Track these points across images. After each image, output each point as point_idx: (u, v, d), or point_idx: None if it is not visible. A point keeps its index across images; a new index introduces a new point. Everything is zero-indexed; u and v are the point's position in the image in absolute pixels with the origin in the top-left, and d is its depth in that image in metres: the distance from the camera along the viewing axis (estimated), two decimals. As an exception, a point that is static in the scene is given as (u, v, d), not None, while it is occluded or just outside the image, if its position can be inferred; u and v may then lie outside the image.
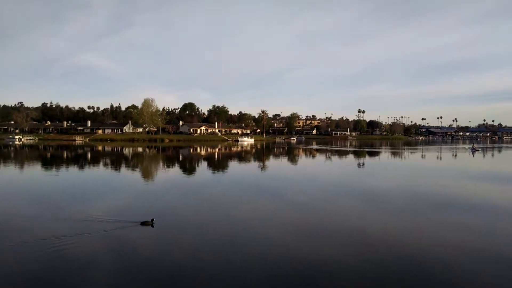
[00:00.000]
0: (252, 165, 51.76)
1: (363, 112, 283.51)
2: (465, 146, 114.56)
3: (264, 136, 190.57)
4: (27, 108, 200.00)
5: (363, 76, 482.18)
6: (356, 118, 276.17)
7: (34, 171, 40.99)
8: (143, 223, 15.55)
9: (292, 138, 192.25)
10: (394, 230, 15.63)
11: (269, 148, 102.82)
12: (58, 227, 15.40)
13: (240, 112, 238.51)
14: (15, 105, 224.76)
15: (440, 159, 66.53)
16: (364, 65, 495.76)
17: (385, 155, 77.42)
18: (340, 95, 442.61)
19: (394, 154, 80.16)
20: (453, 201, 22.97)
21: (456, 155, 77.80)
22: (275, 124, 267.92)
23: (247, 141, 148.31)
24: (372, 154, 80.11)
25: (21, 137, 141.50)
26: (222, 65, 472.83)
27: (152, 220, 15.66)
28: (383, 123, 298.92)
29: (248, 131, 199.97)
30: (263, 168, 47.68)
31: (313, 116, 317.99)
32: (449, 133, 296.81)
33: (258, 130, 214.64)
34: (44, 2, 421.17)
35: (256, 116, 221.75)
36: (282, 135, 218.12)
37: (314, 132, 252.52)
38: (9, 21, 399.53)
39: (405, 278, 10.49)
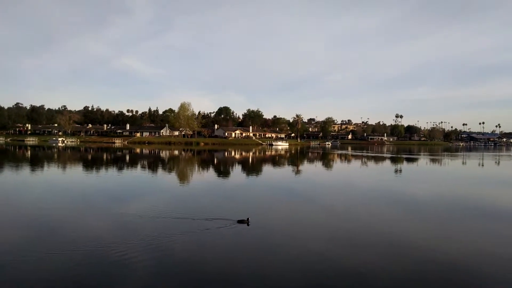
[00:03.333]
0: (286, 170, 51.65)
1: (401, 116, 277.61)
2: (509, 153, 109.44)
3: (299, 141, 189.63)
4: (70, 111, 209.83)
5: (401, 79, 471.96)
6: (393, 123, 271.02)
7: (111, 175, 42.74)
8: (240, 221, 16.66)
9: (327, 143, 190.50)
10: (434, 239, 15.20)
11: (304, 153, 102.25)
12: (164, 226, 16.53)
13: (275, 116, 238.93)
14: (59, 108, 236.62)
15: (482, 166, 63.94)
16: (403, 67, 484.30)
17: (423, 161, 75.17)
18: (377, 99, 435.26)
19: (433, 160, 77.67)
20: (495, 211, 22.07)
21: (499, 162, 74.51)
22: (310, 129, 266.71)
23: (281, 146, 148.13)
24: (410, 160, 78.01)
25: (64, 139, 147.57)
26: (257, 68, 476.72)
27: (248, 219, 16.71)
28: (422, 128, 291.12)
29: (283, 135, 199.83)
30: (297, 172, 47.51)
31: (348, 120, 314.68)
32: (491, 139, 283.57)
33: (293, 135, 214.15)
34: (88, 7, 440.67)
35: (291, 120, 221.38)
36: (316, 140, 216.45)
37: (349, 137, 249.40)
38: (55, 27, 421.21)
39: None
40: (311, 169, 54.30)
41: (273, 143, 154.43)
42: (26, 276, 10.67)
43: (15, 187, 29.76)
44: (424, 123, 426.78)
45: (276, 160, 69.89)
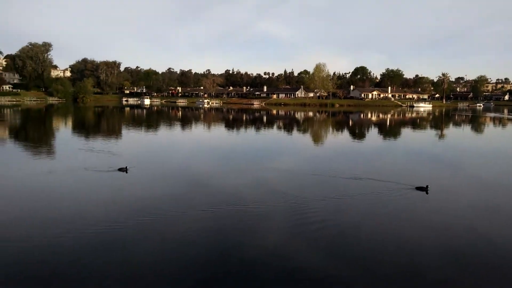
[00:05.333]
0: (428, 134, 48.42)
1: None
2: None
3: (444, 102, 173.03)
4: (213, 75, 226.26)
5: None
6: None
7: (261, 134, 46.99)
8: (418, 188, 16.87)
9: (478, 104, 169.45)
10: None
11: (449, 116, 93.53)
12: (341, 185, 17.90)
13: (416, 76, 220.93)
14: (203, 72, 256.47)
15: None
16: None
17: None
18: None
19: None
20: None
21: None
22: (458, 89, 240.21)
23: (424, 107, 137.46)
24: None
25: (209, 100, 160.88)
26: (397, 25, 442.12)
27: (427, 186, 16.74)
28: None
29: (425, 96, 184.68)
30: (440, 137, 44.26)
31: (505, 79, 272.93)
32: None
33: (437, 95, 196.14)
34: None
35: (435, 80, 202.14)
36: (465, 101, 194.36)
37: (506, 97, 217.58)
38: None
39: None
40: (456, 134, 49.85)
41: (414, 105, 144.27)
42: (184, 227, 12.99)
43: (169, 145, 34.47)
44: None
45: (416, 123, 65.82)
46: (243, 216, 13.09)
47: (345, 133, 47.58)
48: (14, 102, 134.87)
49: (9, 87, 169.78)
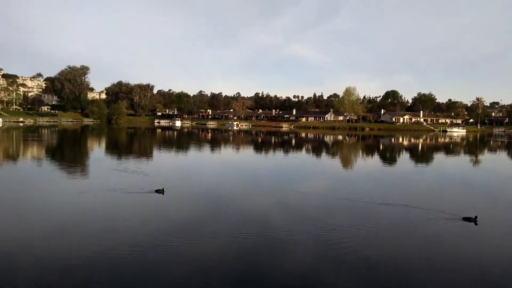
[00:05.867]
0: (463, 159, 46.99)
1: None
2: None
3: (479, 127, 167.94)
4: (243, 97, 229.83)
5: None
6: None
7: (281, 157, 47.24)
8: (466, 219, 15.59)
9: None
10: None
11: (484, 141, 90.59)
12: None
13: (449, 100, 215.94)
14: (233, 95, 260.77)
15: None
16: None
17: None
18: None
19: None
20: None
21: None
22: (493, 114, 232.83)
23: (457, 132, 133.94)
24: None
25: (238, 123, 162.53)
26: (429, 48, 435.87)
27: (476, 217, 15.36)
28: None
29: (459, 121, 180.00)
30: (476, 162, 42.90)
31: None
32: None
33: (471, 120, 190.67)
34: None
35: (469, 104, 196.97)
36: (501, 127, 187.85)
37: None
38: (232, 19, 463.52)
39: None
40: (492, 159, 48.13)
41: (448, 130, 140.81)
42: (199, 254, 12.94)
43: (199, 167, 34.90)
44: None
45: (449, 148, 64.03)
46: (272, 242, 12.73)
47: (376, 157, 46.79)
48: (52, 123, 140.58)
49: (47, 108, 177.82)
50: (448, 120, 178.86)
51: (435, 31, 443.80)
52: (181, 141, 67.68)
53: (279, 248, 12.24)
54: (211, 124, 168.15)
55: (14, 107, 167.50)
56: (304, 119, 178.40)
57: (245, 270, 10.51)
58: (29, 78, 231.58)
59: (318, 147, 61.96)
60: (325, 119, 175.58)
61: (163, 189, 19.62)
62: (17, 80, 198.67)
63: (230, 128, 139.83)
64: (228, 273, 10.29)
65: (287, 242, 12.81)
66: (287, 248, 12.35)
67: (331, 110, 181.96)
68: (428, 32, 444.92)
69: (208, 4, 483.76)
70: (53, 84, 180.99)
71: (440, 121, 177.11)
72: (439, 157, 48.04)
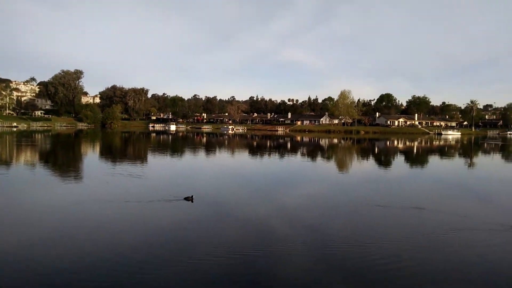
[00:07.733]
0: (457, 162, 47.03)
1: None
2: None
3: (473, 130, 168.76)
4: (238, 101, 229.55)
5: None
6: None
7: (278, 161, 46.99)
8: None
9: (509, 132, 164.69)
10: None
11: (478, 144, 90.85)
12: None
13: (444, 103, 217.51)
14: (228, 99, 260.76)
15: None
16: None
17: None
18: None
19: None
20: None
21: None
22: (486, 116, 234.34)
23: (452, 135, 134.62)
24: None
25: (233, 127, 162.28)
26: (423, 52, 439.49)
27: None
28: None
29: (453, 124, 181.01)
30: (470, 165, 42.94)
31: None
32: None
33: (465, 123, 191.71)
34: (254, 3, 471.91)
35: (463, 107, 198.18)
36: (495, 129, 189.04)
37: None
38: (228, 24, 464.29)
39: None
40: (487, 162, 48.20)
41: (442, 132, 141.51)
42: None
43: (193, 170, 34.60)
44: None
45: (444, 151, 64.12)
46: (279, 257, 11.91)
47: (371, 161, 46.74)
48: (45, 127, 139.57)
49: (41, 113, 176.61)
50: (442, 123, 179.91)
51: (427, 36, 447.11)
52: (175, 146, 67.26)
53: (285, 260, 11.76)
54: (206, 128, 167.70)
55: (7, 111, 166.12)
56: (299, 123, 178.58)
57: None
58: (22, 83, 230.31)
59: (313, 150, 61.82)
60: (320, 123, 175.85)
61: (192, 196, 18.89)
62: (10, 84, 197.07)
63: (225, 132, 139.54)
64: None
65: (288, 253, 12.41)
66: (292, 259, 11.90)
67: (326, 113, 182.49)
68: (422, 36, 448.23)
69: (202, 8, 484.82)
70: (46, 89, 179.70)
71: (435, 124, 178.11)
72: (434, 159, 48.11)
